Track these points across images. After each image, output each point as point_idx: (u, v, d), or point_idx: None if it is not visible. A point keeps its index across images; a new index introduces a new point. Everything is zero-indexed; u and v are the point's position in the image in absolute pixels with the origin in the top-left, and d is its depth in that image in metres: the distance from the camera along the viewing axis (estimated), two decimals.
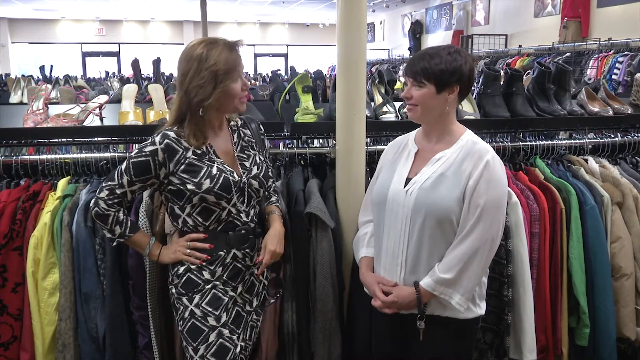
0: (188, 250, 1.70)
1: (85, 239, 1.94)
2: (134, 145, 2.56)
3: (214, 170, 1.66)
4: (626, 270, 2.18)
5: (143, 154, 1.63)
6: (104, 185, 1.68)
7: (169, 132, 1.66)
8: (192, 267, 1.70)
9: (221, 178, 1.66)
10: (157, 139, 1.65)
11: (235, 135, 1.79)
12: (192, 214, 1.69)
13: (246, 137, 1.82)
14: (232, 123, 1.81)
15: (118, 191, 1.66)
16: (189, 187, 1.64)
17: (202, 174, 1.65)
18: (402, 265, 1.68)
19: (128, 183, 1.65)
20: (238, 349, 1.72)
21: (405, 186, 1.68)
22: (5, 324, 1.95)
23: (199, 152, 1.67)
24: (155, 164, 1.64)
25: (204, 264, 1.70)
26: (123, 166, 1.66)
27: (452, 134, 1.69)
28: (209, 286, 1.71)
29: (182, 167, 1.64)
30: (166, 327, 2.00)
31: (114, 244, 1.75)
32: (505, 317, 2.02)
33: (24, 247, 1.95)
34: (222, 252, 1.71)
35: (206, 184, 1.64)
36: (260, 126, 1.90)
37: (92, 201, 1.69)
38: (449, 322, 1.66)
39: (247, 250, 1.76)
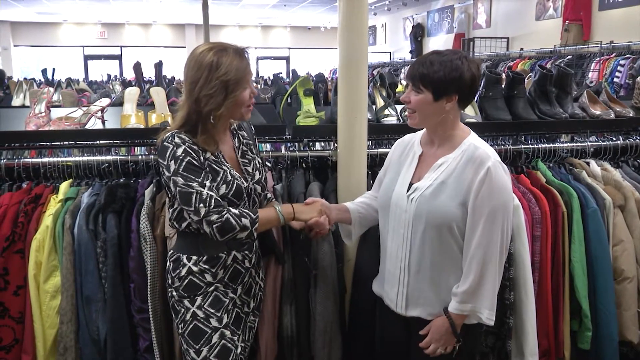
0: (323, 217, 1.77)
1: (87, 242, 1.94)
2: (136, 148, 2.57)
3: (229, 177, 1.66)
4: (628, 274, 2.17)
5: (180, 157, 1.58)
6: (195, 210, 1.55)
7: (180, 134, 1.62)
8: (194, 269, 1.70)
9: (234, 185, 1.66)
10: (176, 140, 1.60)
11: (236, 140, 1.79)
12: None
13: (244, 140, 1.82)
14: (232, 127, 1.81)
15: (204, 194, 1.56)
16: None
17: (219, 178, 1.64)
18: (405, 269, 1.68)
19: (200, 185, 1.57)
20: (239, 350, 1.73)
21: (408, 191, 1.68)
22: (7, 327, 1.96)
23: (213, 157, 1.66)
24: (196, 155, 1.60)
25: (205, 267, 1.70)
26: (180, 185, 1.56)
27: (454, 138, 1.67)
28: (211, 288, 1.71)
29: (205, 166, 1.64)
30: (167, 330, 2.00)
31: (255, 235, 1.69)
32: (507, 321, 2.02)
33: (25, 250, 1.96)
34: (222, 254, 1.71)
35: (222, 189, 1.63)
36: (252, 126, 1.91)
37: (205, 230, 1.56)
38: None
39: (246, 252, 1.77)
